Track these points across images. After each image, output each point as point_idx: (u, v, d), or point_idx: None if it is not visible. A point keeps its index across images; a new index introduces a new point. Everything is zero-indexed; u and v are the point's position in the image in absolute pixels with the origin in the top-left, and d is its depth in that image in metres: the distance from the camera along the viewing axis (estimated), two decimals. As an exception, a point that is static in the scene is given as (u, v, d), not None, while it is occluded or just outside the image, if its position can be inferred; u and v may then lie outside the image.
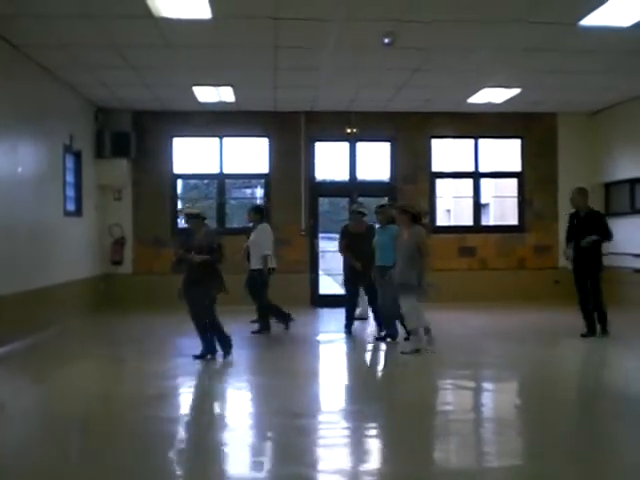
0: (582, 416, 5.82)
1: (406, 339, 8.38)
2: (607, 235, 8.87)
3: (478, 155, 13.53)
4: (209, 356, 7.65)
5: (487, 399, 6.69)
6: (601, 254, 8.98)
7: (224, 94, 11.29)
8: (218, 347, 7.74)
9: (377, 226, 9.20)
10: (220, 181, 13.29)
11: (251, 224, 9.74)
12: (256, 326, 9.65)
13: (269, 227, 9.71)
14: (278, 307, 9.74)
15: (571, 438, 5.07)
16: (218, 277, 7.65)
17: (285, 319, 9.77)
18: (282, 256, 12.83)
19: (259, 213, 9.74)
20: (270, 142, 13.10)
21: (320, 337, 9.92)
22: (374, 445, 5.04)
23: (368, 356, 8.73)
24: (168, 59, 9.13)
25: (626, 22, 7.71)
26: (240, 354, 8.11)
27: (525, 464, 4.58)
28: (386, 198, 12.19)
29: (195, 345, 7.80)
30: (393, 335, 8.88)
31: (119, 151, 12.20)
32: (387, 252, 8.52)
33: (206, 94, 11.28)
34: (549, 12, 7.42)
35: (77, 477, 4.32)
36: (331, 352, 9.02)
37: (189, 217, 7.82)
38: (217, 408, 6.21)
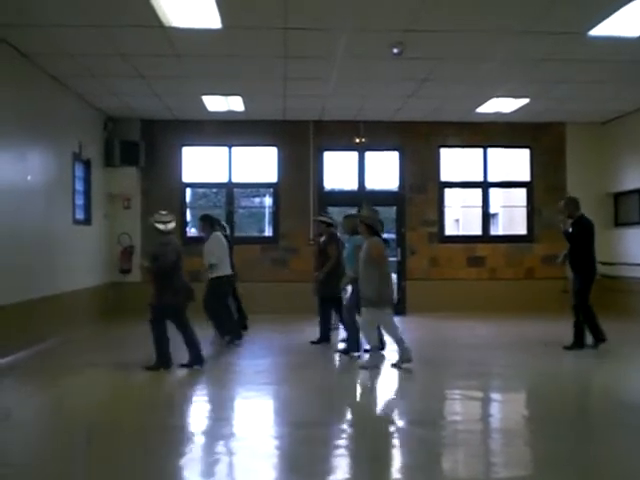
0: (590, 427, 5.78)
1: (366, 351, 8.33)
2: (576, 244, 8.87)
3: (487, 165, 13.53)
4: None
5: (495, 409, 6.65)
6: (589, 263, 8.87)
7: (233, 103, 11.35)
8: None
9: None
10: (229, 190, 13.33)
11: (203, 234, 9.62)
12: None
13: (219, 235, 9.44)
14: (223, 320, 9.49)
15: (579, 449, 5.03)
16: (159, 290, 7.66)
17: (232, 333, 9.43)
18: (290, 265, 12.93)
19: (207, 223, 9.54)
20: (279, 151, 13.15)
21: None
22: (382, 455, 5.02)
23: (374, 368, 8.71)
24: (177, 68, 9.18)
25: (635, 32, 7.71)
26: (252, 364, 8.10)
27: (534, 474, 4.55)
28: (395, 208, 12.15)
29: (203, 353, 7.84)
30: (351, 349, 8.62)
31: (128, 160, 12.27)
32: (349, 262, 8.52)
33: (215, 103, 11.34)
34: (558, 22, 7.43)
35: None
36: (338, 362, 8.98)
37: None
38: (224, 416, 6.19)
